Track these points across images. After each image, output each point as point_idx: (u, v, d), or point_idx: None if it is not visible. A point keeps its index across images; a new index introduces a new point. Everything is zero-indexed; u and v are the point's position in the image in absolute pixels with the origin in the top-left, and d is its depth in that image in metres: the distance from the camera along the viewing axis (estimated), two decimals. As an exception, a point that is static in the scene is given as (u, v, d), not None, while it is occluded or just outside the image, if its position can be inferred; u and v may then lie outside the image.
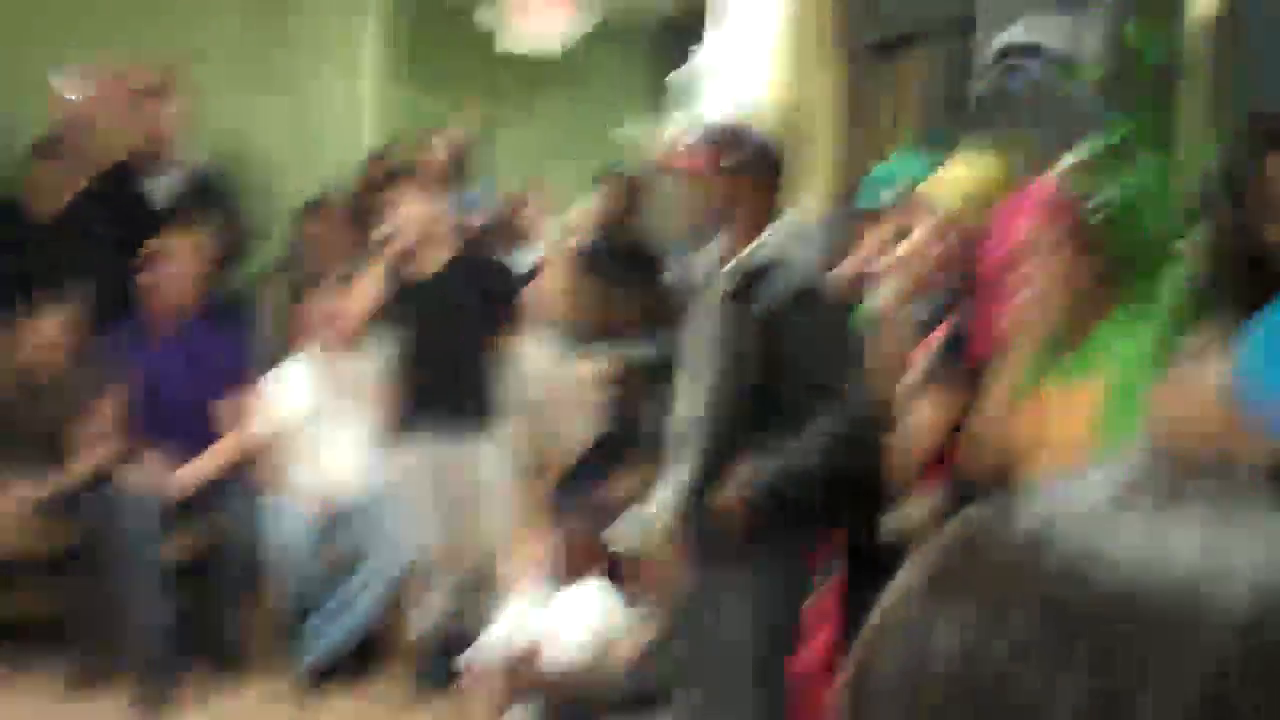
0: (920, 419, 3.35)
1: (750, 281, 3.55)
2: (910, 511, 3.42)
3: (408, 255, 5.38)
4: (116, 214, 6.04)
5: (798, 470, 3.50)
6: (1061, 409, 2.81)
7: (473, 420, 5.31)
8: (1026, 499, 0.59)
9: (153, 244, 5.61)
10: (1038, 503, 0.58)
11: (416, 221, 5.35)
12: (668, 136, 7.16)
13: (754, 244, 3.59)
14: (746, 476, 3.53)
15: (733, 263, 3.60)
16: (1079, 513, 0.57)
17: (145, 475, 5.34)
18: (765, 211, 3.64)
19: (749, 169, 3.62)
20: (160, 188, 6.17)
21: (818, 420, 3.48)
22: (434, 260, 5.36)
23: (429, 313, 5.31)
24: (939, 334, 3.46)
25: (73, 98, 6.27)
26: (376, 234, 5.50)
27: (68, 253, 5.76)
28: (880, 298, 3.55)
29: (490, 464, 5.32)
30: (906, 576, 0.60)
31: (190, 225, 5.87)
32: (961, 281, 3.42)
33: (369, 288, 5.45)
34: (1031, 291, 2.87)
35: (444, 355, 5.29)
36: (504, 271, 5.69)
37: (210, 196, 6.18)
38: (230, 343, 5.83)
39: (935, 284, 3.49)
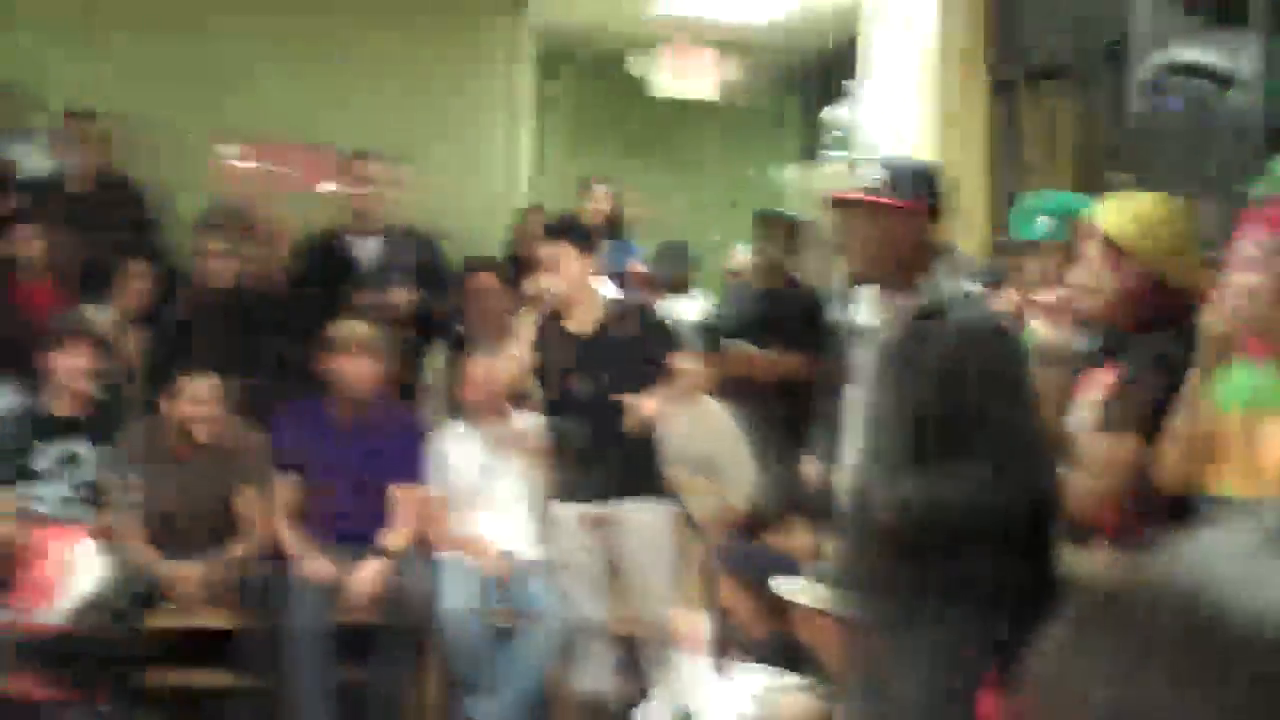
0: (1098, 459, 3.24)
1: (923, 324, 3.39)
2: (1089, 555, 3.31)
3: (566, 310, 5.34)
4: (324, 279, 6.26)
5: (952, 499, 3.37)
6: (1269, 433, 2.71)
7: (639, 479, 5.23)
8: (1179, 546, 0.58)
9: (340, 331, 5.65)
10: (1189, 549, 0.58)
11: (576, 276, 5.28)
12: (828, 176, 7.11)
13: (924, 284, 3.42)
14: (897, 497, 3.43)
15: (903, 304, 3.44)
16: (1230, 560, 0.56)
17: (317, 563, 5.38)
18: (933, 249, 3.47)
19: (919, 205, 3.45)
20: (365, 252, 6.45)
21: (988, 457, 3.33)
22: (592, 316, 5.30)
23: (591, 369, 5.24)
24: (1110, 371, 3.35)
25: (239, 168, 6.50)
26: (532, 289, 5.48)
27: (240, 328, 5.89)
28: (1045, 330, 3.43)
29: (656, 525, 5.24)
30: (1061, 626, 0.60)
31: (391, 288, 6.09)
32: (1136, 313, 3.28)
33: (524, 345, 5.44)
34: (1241, 302, 2.76)
35: (607, 413, 5.23)
36: (664, 327, 5.57)
37: (408, 260, 6.41)
38: (407, 420, 5.84)
39: (1103, 315, 3.37)
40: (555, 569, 5.47)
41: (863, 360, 3.53)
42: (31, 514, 5.14)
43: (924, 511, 3.36)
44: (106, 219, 6.55)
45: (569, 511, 5.31)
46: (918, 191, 3.46)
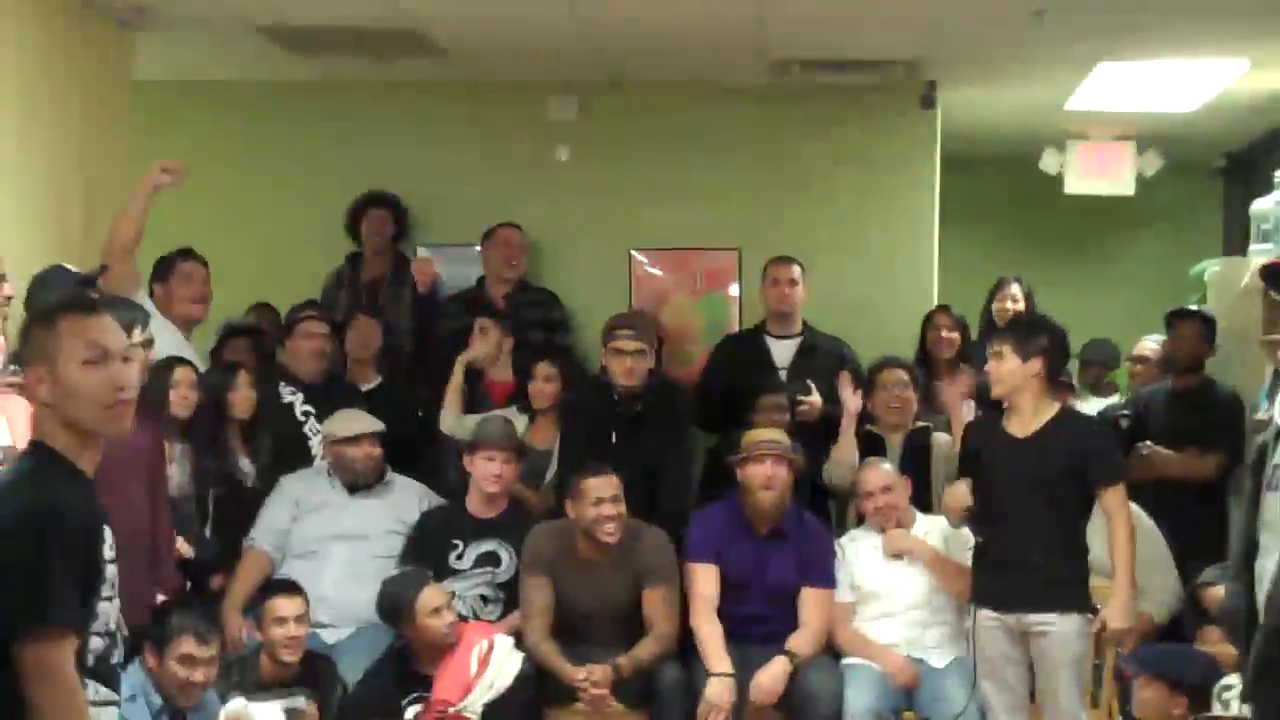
0: None
1: None
2: None
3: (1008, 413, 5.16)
4: (746, 373, 6.43)
5: None
6: None
7: (1058, 588, 4.99)
8: None
9: (754, 437, 5.68)
10: None
11: (1008, 377, 5.06)
12: (1255, 270, 6.78)
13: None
14: None
15: None
16: None
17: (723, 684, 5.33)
18: None
19: None
20: (782, 353, 6.58)
21: None
22: (1038, 421, 5.08)
23: (1023, 477, 5.03)
24: None
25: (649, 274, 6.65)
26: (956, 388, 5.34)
27: (648, 423, 6.00)
28: None
29: (1074, 636, 4.97)
30: None
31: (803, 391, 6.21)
32: None
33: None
34: None
35: (1034, 519, 5.00)
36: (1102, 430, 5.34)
37: (819, 361, 6.50)
38: (815, 524, 5.80)
39: None
40: (976, 676, 5.32)
41: (1275, 465, 3.31)
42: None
43: None
44: (526, 324, 6.79)
45: (992, 619, 5.15)
46: None
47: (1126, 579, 4.92)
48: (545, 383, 6.34)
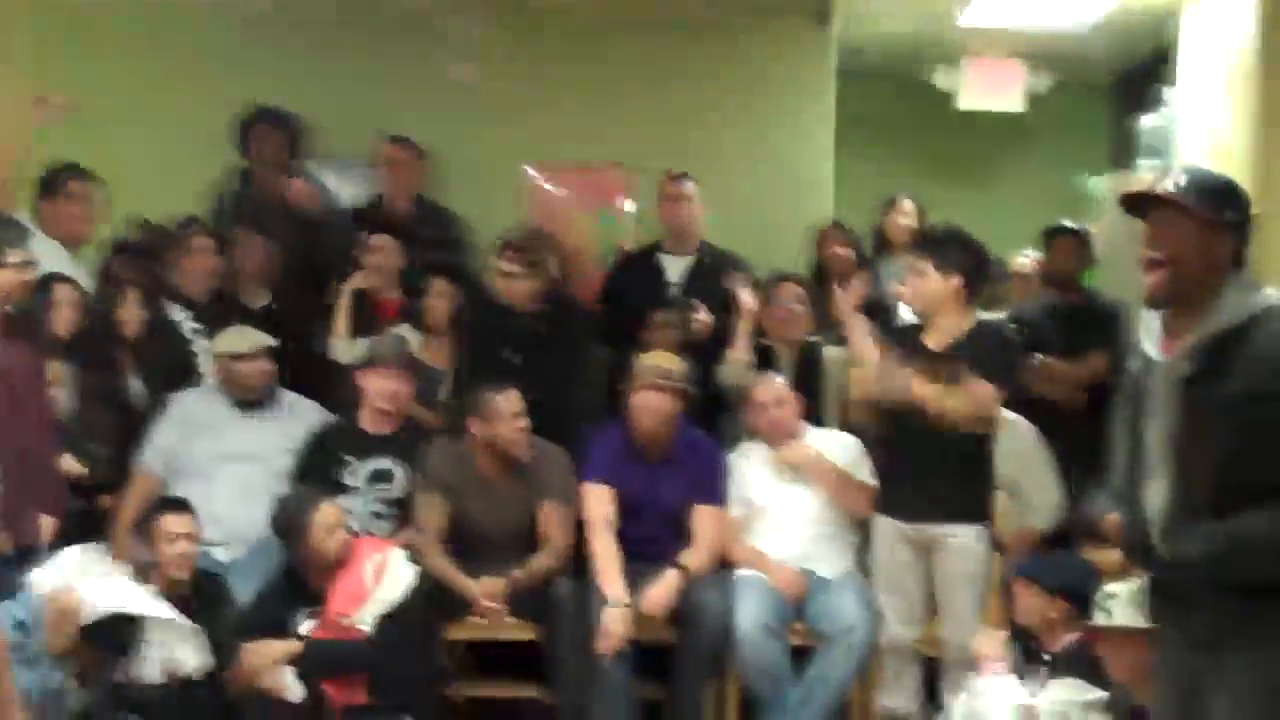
0: None
1: (1219, 354, 3.18)
2: None
3: (917, 328, 5.25)
4: (637, 295, 6.39)
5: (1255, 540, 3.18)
6: None
7: (954, 501, 5.11)
8: None
9: (643, 364, 5.69)
10: None
11: (932, 293, 5.17)
12: (1139, 185, 6.87)
13: (1228, 308, 3.21)
14: (1194, 539, 3.23)
15: (1202, 331, 3.22)
16: None
17: (613, 586, 5.38)
18: (1240, 271, 3.27)
19: (1233, 223, 3.26)
20: (677, 271, 6.57)
21: None
22: (953, 335, 5.15)
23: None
24: None
25: (544, 190, 6.65)
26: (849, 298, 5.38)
27: (547, 342, 6.01)
28: None
29: (974, 550, 5.10)
30: None
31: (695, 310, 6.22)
32: None
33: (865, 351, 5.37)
34: None
35: (949, 439, 5.09)
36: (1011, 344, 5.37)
37: (715, 278, 6.46)
38: (706, 443, 5.83)
39: None
40: (871, 583, 5.42)
41: (1155, 395, 3.33)
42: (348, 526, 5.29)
43: (1243, 560, 3.19)
44: (422, 242, 6.75)
45: (891, 528, 5.23)
46: (1221, 205, 3.28)
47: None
48: (439, 299, 6.31)
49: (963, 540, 5.08)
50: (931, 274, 5.15)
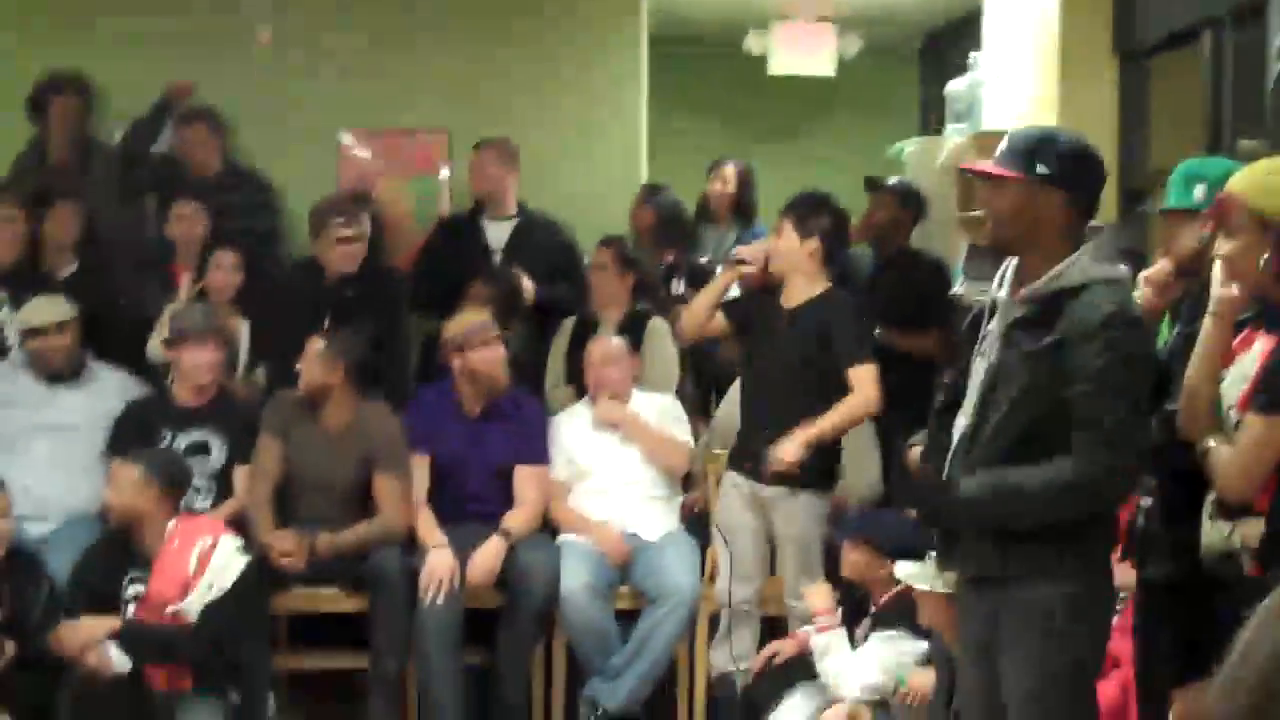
0: (1254, 440, 3.14)
1: (1050, 306, 3.27)
2: (1238, 534, 3.23)
3: (767, 284, 5.25)
4: (459, 258, 6.32)
5: (1024, 491, 3.29)
6: None
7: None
8: None
9: (470, 325, 5.65)
10: None
11: (788, 253, 5.18)
12: (951, 148, 7.00)
13: (1060, 265, 3.29)
14: (969, 483, 3.36)
15: (1035, 285, 3.31)
16: None
17: (440, 555, 5.36)
18: (1077, 230, 3.35)
19: (1073, 186, 3.33)
20: (497, 235, 6.48)
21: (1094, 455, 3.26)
22: (808, 293, 5.18)
23: (784, 349, 5.15)
24: (1269, 339, 3.25)
25: (358, 155, 6.55)
26: (732, 257, 5.39)
27: (362, 308, 5.93)
28: (1214, 304, 3.30)
29: (807, 511, 5.12)
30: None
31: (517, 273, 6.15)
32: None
33: (703, 312, 5.39)
34: None
35: (790, 392, 5.11)
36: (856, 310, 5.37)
37: (534, 243, 6.44)
38: (531, 404, 5.84)
39: (1256, 290, 3.26)
40: (683, 546, 5.45)
41: (989, 336, 3.44)
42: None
43: (1005, 511, 3.32)
44: (230, 208, 6.61)
45: (736, 486, 5.25)
46: (1068, 173, 3.36)
47: (819, 428, 4.95)
48: (221, 272, 6.16)
49: (801, 503, 5.11)
50: (790, 233, 5.19)
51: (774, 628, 5.31)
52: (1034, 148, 3.38)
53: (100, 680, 4.69)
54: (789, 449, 4.91)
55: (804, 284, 5.19)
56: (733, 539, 5.23)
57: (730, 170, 7.26)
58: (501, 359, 5.62)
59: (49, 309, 5.74)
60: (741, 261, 5.31)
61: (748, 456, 5.18)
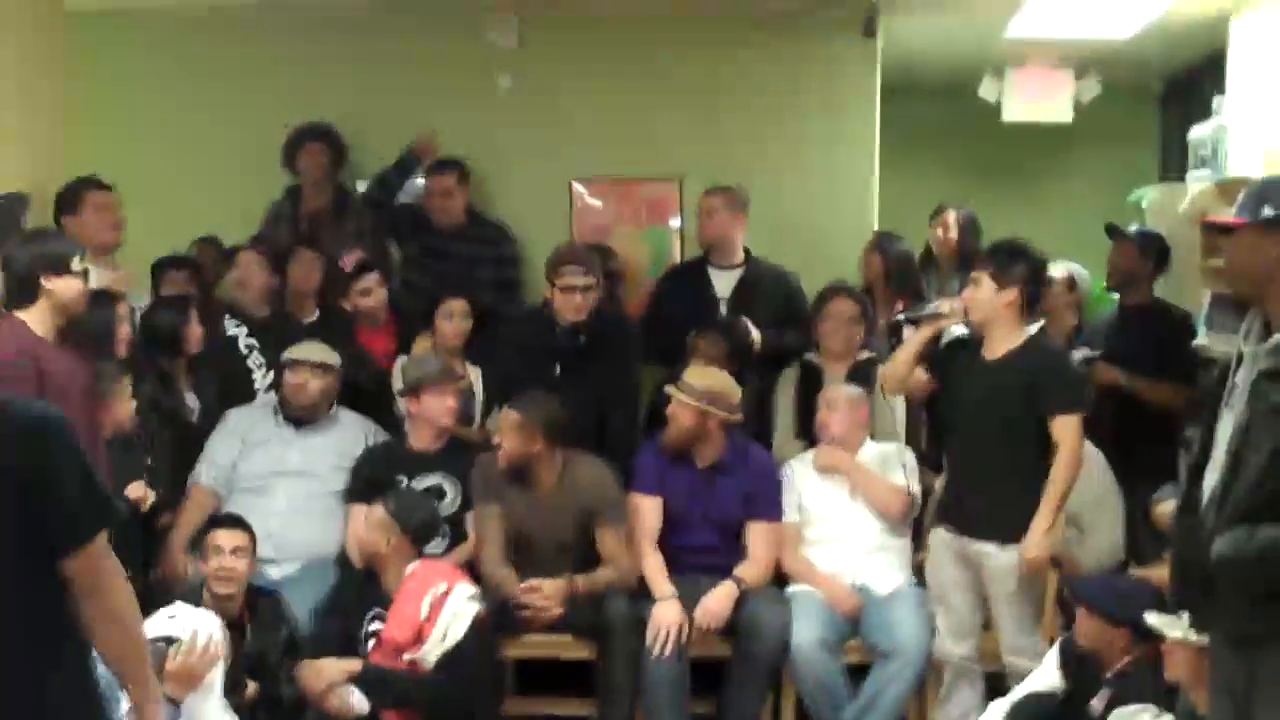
0: None
1: None
2: None
3: (972, 337, 5.22)
4: (687, 307, 6.37)
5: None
6: None
7: (1004, 518, 5.04)
8: None
9: (682, 383, 5.64)
10: None
11: (985, 304, 5.14)
12: (1194, 195, 6.82)
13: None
14: (1229, 539, 3.23)
15: (1278, 335, 3.23)
16: None
17: (668, 609, 5.36)
18: None
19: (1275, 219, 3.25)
20: (725, 284, 6.50)
21: None
22: (1007, 346, 5.13)
23: (987, 401, 5.11)
24: None
25: (591, 205, 6.63)
26: (936, 309, 5.36)
27: (593, 357, 5.99)
28: None
29: (1013, 565, 5.04)
30: None
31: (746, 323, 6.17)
32: None
33: (905, 367, 5.36)
34: None
35: (995, 445, 5.08)
36: (1063, 360, 5.36)
37: (762, 292, 6.46)
38: (761, 455, 5.82)
39: None
40: (914, 600, 5.40)
41: (1237, 389, 3.34)
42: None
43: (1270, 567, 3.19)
44: (470, 258, 6.76)
45: (944, 541, 5.21)
46: (1258, 205, 3.28)
47: (1050, 508, 4.95)
48: (450, 320, 6.30)
49: (1009, 558, 5.03)
50: (987, 284, 5.13)
51: (995, 685, 5.21)
52: (1262, 192, 3.34)
53: (338, 721, 4.81)
54: (1036, 549, 4.92)
55: (1004, 334, 5.12)
56: (945, 595, 5.18)
57: (952, 217, 7.17)
58: (692, 425, 5.57)
59: (318, 350, 5.92)
60: (940, 315, 5.26)
61: (954, 510, 5.11)
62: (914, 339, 5.38)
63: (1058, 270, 7.13)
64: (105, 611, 2.83)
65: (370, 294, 6.48)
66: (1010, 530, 4.99)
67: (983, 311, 5.15)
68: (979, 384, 5.12)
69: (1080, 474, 5.10)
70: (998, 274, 5.11)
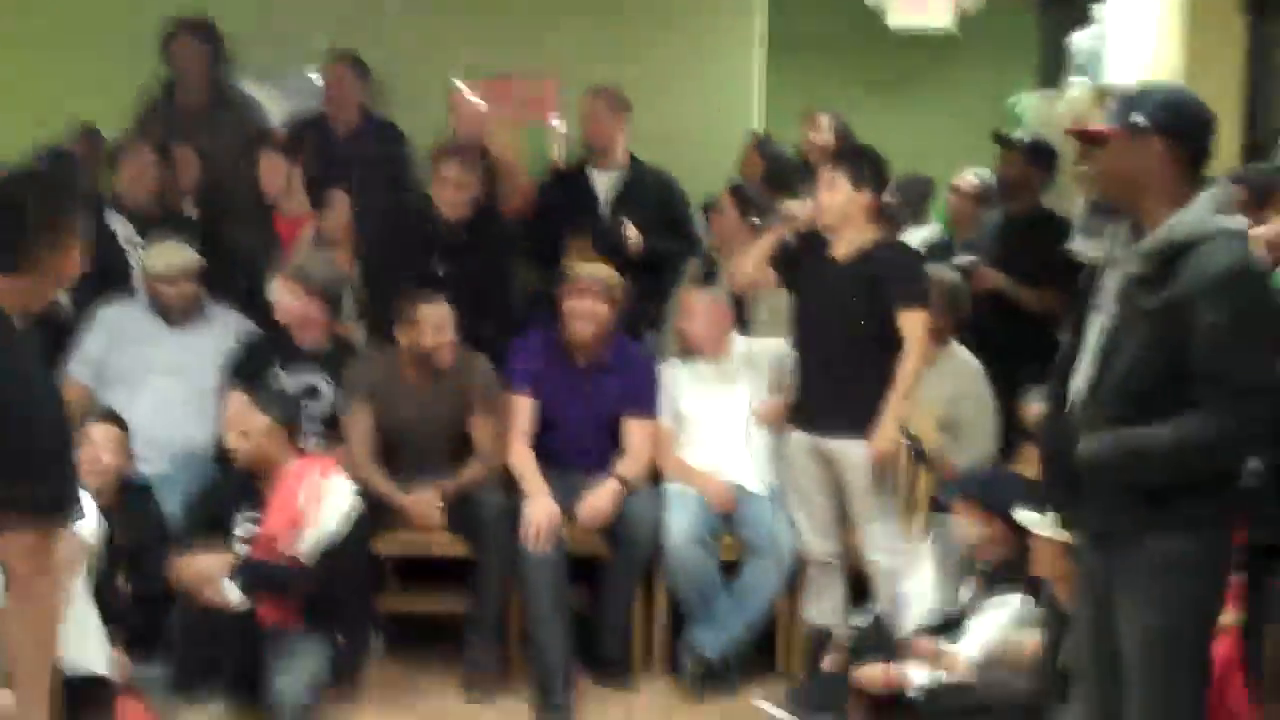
0: None
1: (1167, 261, 3.23)
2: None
3: (819, 237, 5.26)
4: (566, 210, 6.33)
5: (1160, 450, 3.25)
6: None
7: (857, 414, 5.11)
8: None
9: (576, 271, 5.67)
10: None
11: (840, 206, 5.20)
12: (1071, 102, 6.89)
13: (1173, 219, 3.25)
14: (1096, 442, 3.31)
15: (1147, 240, 3.27)
16: None
17: (541, 502, 5.39)
18: (1186, 182, 3.30)
19: (1170, 133, 3.29)
20: (605, 186, 6.45)
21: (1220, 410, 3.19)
22: (858, 245, 5.20)
23: (836, 300, 5.18)
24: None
25: (473, 103, 6.58)
26: (785, 211, 5.40)
27: (471, 253, 5.97)
28: None
29: (863, 455, 5.12)
30: None
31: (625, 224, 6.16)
32: None
33: (753, 267, 5.40)
34: None
35: (844, 343, 5.16)
36: (911, 257, 5.41)
37: (643, 195, 6.41)
38: (639, 355, 5.86)
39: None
40: (786, 497, 5.45)
41: (1105, 292, 3.40)
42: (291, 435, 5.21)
43: (1138, 469, 3.28)
44: (366, 158, 6.67)
45: (799, 441, 5.27)
46: (1164, 120, 3.30)
47: (898, 400, 5.04)
48: (335, 211, 6.26)
49: (861, 452, 5.11)
50: (843, 186, 5.17)
51: (859, 582, 5.33)
52: (1131, 100, 3.39)
53: (212, 613, 4.78)
54: (884, 441, 5.00)
55: (854, 235, 5.18)
56: (805, 494, 5.27)
57: (824, 120, 7.18)
58: (602, 315, 5.60)
59: (174, 256, 5.83)
60: (791, 218, 5.30)
61: (807, 409, 5.18)
62: (764, 240, 5.43)
63: (969, 177, 7.22)
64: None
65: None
66: (862, 425, 5.07)
67: (837, 213, 5.19)
68: (828, 283, 5.19)
69: (955, 382, 5.18)
70: (855, 176, 5.17)
